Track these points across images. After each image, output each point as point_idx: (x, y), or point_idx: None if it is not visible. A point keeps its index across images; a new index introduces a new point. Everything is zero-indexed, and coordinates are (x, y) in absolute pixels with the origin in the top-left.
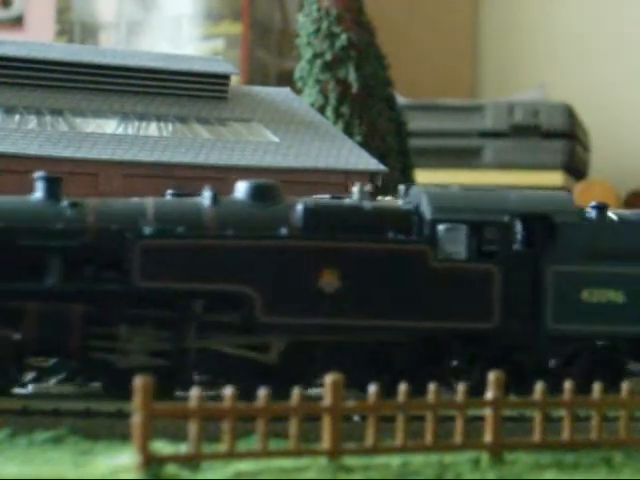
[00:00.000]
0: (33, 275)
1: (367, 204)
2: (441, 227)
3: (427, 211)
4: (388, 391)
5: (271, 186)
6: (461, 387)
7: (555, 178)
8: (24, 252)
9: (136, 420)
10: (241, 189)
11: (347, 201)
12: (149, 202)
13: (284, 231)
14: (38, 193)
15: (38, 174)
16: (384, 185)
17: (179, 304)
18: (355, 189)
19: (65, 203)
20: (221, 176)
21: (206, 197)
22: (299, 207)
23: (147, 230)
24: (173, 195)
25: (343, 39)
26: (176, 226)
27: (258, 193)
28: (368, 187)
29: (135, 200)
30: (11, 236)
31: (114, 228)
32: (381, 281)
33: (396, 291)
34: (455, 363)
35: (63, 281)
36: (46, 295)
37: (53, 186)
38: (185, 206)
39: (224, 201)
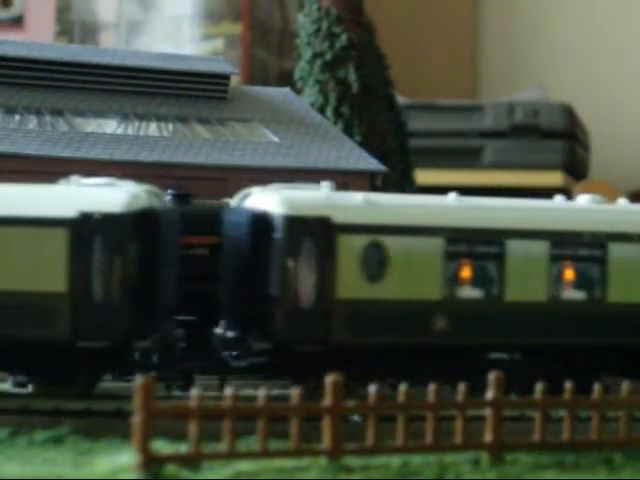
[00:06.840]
0: None
1: None
2: None
3: None
4: None
5: None
6: (461, 387)
7: (555, 178)
8: None
9: (136, 420)
10: None
11: None
12: None
13: None
14: None
15: None
16: (384, 185)
17: None
18: None
19: None
20: (221, 176)
21: None
22: None
23: None
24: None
25: (343, 39)
26: None
27: None
28: None
29: None
30: None
31: None
32: None
33: None
34: None
35: None
36: None
37: None
38: None
39: None
